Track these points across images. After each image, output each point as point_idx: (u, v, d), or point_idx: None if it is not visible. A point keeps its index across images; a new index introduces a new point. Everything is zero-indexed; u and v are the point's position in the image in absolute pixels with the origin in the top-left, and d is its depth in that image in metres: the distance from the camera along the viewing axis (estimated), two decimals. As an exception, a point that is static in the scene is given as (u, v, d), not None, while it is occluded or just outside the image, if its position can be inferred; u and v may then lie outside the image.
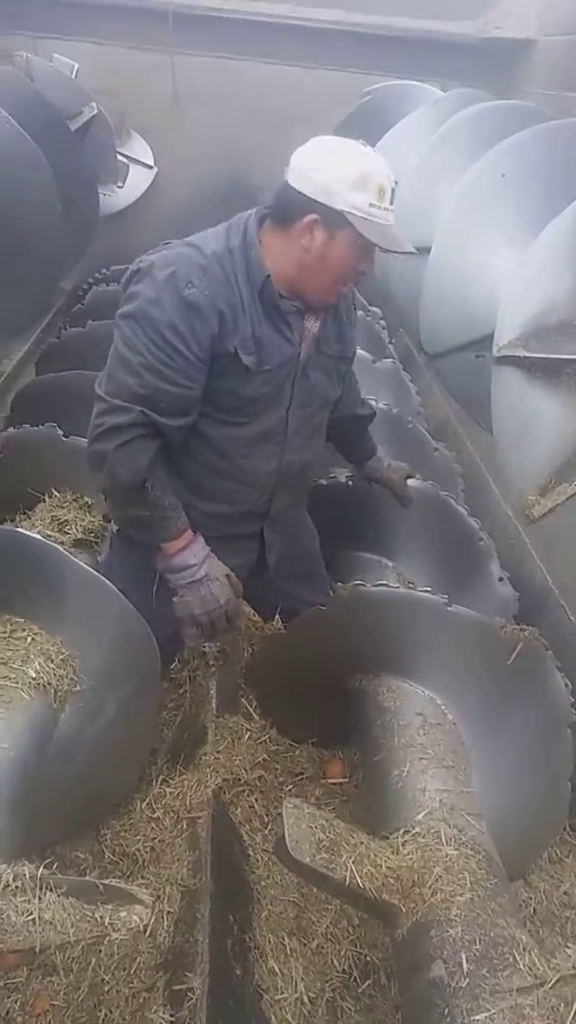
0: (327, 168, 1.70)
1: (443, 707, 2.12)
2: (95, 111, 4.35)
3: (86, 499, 2.85)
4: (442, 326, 2.60)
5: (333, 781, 2.45)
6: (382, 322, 4.58)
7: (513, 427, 1.78)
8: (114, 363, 1.78)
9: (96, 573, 2.20)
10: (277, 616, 2.36)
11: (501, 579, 2.65)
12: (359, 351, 3.72)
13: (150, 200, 5.37)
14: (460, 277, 2.45)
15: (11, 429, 2.95)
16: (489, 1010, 1.40)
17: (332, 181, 1.68)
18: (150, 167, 5.32)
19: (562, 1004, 1.40)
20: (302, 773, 2.43)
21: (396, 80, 4.93)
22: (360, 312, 4.42)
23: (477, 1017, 1.40)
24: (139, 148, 5.34)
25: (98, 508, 2.60)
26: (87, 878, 1.63)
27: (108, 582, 2.18)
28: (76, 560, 2.18)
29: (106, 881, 1.63)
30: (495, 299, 1.99)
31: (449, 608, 2.08)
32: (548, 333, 1.73)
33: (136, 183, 5.22)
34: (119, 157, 4.93)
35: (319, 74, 5.19)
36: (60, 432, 2.83)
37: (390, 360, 3.85)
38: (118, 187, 4.83)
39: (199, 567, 1.90)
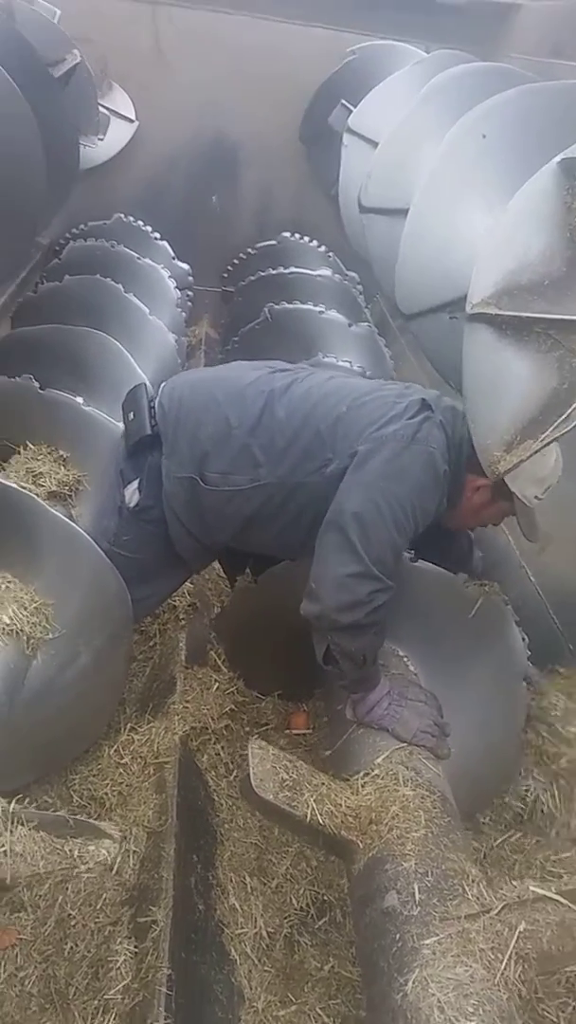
0: None
1: (405, 658, 2.19)
2: (78, 59, 4.23)
3: (60, 452, 2.85)
4: (418, 287, 2.60)
5: (297, 732, 2.52)
6: (359, 287, 4.59)
7: (482, 385, 1.80)
8: (384, 541, 1.84)
9: (72, 524, 2.22)
10: (248, 571, 2.39)
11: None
12: (335, 314, 3.76)
13: (130, 155, 5.27)
14: (438, 238, 2.45)
15: (-14, 380, 2.93)
16: (438, 935, 1.48)
17: (523, 469, 1.80)
18: (131, 121, 5.20)
19: (506, 929, 1.48)
20: (267, 724, 2.49)
21: (381, 40, 4.87)
22: (337, 276, 4.43)
23: (427, 941, 1.48)
24: (120, 100, 5.21)
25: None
26: (58, 813, 1.67)
27: (83, 533, 2.20)
28: (52, 510, 2.19)
29: (76, 816, 1.67)
30: (472, 260, 2.00)
31: (415, 564, 2.13)
32: (520, 291, 1.75)
33: (116, 136, 5.09)
34: (100, 108, 4.82)
35: (305, 31, 5.09)
36: (36, 384, 2.82)
37: (366, 324, 3.88)
38: (99, 140, 4.72)
39: (391, 691, 2.00)
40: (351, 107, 4.06)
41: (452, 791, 1.87)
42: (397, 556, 1.91)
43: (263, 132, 5.29)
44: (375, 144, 3.35)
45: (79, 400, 2.88)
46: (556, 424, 1.69)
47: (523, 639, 2.12)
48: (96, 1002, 1.74)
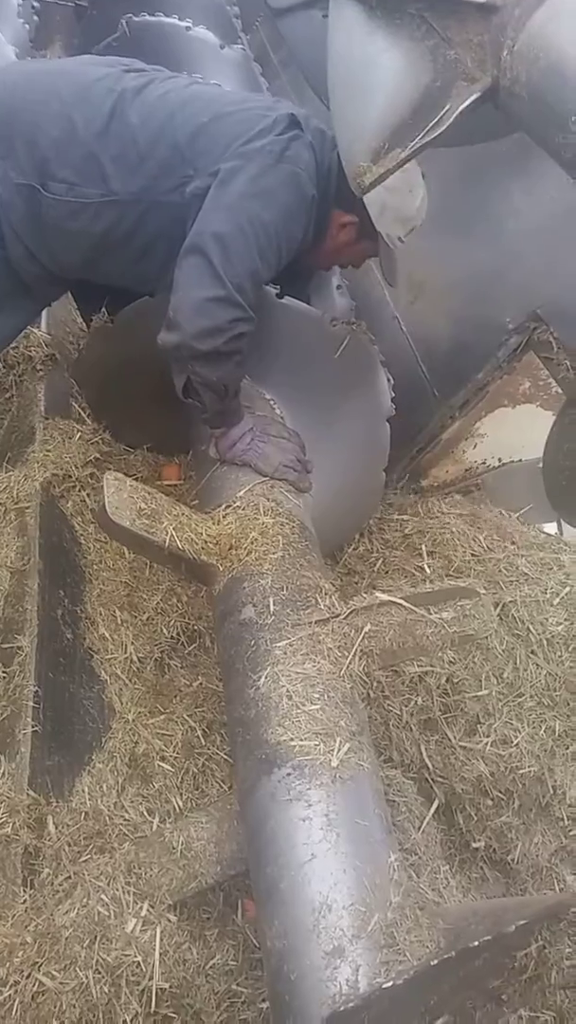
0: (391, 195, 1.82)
1: (271, 401, 2.16)
2: None
3: None
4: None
5: (169, 483, 2.51)
6: (236, 8, 4.00)
7: (348, 80, 1.61)
8: (247, 265, 1.75)
9: None
10: (104, 310, 2.22)
11: (339, 287, 2.63)
12: (205, 32, 3.29)
13: None
14: None
15: None
16: (290, 638, 1.58)
17: (388, 207, 1.84)
18: None
19: (352, 631, 1.60)
20: (137, 475, 2.46)
21: None
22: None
23: (279, 644, 1.57)
24: None
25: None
26: None
27: None
28: None
29: None
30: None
31: (280, 300, 2.04)
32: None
33: None
34: None
35: None
36: None
37: (240, 48, 3.43)
38: None
39: (253, 427, 1.97)
40: None
41: (316, 528, 1.93)
42: (259, 283, 1.81)
43: None
44: None
45: None
46: (426, 129, 1.55)
47: (388, 380, 2.12)
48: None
